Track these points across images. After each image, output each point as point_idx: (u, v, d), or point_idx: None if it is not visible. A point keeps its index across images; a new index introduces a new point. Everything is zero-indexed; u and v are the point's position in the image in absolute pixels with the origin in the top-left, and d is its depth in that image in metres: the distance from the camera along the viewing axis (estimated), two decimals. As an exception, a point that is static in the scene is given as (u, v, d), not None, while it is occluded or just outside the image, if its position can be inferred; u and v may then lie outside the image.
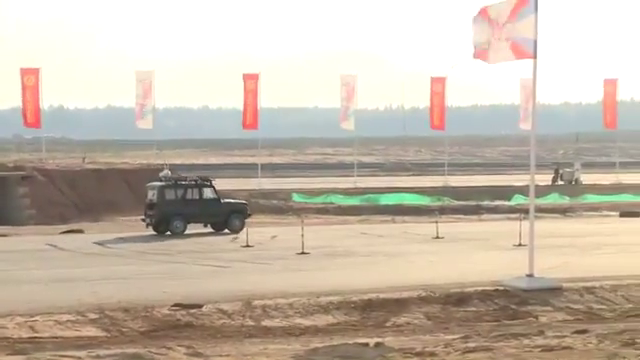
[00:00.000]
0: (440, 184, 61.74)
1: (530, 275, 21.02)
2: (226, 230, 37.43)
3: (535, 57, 20.91)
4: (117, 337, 16.99)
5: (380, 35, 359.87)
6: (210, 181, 38.80)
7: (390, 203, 51.23)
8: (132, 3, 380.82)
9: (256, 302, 19.29)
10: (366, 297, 19.79)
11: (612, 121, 70.03)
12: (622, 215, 46.51)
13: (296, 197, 53.18)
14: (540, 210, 43.41)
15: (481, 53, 21.63)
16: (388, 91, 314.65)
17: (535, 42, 20.73)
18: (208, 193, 37.95)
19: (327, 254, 28.96)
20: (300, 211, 45.80)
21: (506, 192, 55.29)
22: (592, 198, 55.36)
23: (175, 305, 18.96)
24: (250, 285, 21.74)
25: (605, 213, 48.67)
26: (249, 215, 38.57)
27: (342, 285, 21.38)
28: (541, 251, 24.02)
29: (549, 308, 19.45)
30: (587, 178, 66.78)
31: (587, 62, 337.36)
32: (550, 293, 20.31)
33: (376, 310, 19.06)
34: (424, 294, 20.08)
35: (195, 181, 38.31)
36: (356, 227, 40.13)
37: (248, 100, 61.08)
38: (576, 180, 66.11)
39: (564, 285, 20.90)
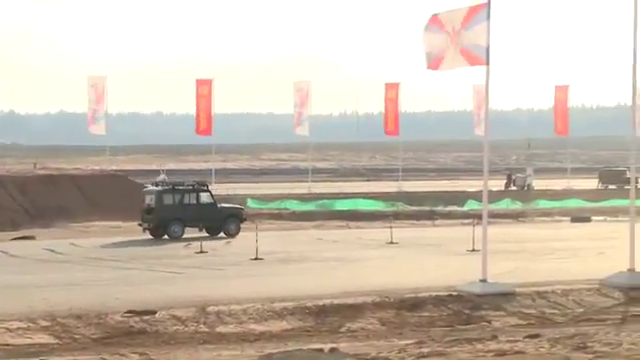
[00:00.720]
0: (394, 189, 61.98)
1: (483, 280, 21.14)
2: (222, 234, 37.64)
3: (487, 64, 21.05)
4: (69, 344, 16.83)
5: (334, 41, 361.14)
6: (207, 186, 39.35)
7: (344, 209, 51.29)
8: (85, 7, 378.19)
9: (210, 308, 19.22)
10: (320, 303, 19.79)
11: (563, 127, 70.76)
12: (573, 220, 46.95)
13: (250, 203, 53.05)
14: (493, 215, 43.62)
15: (434, 62, 21.72)
16: (342, 97, 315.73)
17: (487, 49, 20.87)
18: (205, 198, 38.28)
19: (281, 260, 28.91)
20: (254, 217, 45.64)
21: (459, 198, 55.61)
22: (544, 203, 55.84)
23: (128, 312, 18.82)
24: (204, 291, 21.65)
25: (557, 218, 49.10)
26: (244, 219, 39.04)
27: (296, 291, 21.36)
28: (494, 256, 24.19)
29: (502, 313, 19.58)
30: (539, 184, 67.38)
31: (539, 68, 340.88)
32: (503, 298, 20.45)
33: (330, 316, 19.07)
34: (378, 299, 20.11)
35: (192, 186, 38.71)
36: (311, 233, 40.13)
37: (201, 105, 60.91)
38: (528, 186, 66.68)
39: (517, 290, 21.05)
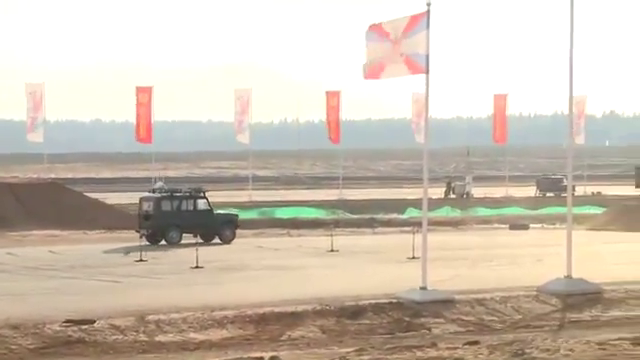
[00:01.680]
0: (335, 197, 62.16)
1: (423, 288, 21.25)
2: (217, 240, 38.16)
3: (427, 72, 21.20)
4: (5, 355, 16.58)
5: (275, 49, 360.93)
6: (204, 192, 39.70)
7: (285, 216, 51.34)
8: (22, 13, 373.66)
9: (149, 317, 19.06)
10: (261, 311, 19.74)
11: (502, 135, 71.56)
12: (512, 228, 47.46)
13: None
14: (433, 223, 43.88)
15: (375, 71, 21.81)
16: (283, 104, 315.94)
17: (427, 57, 21.02)
18: (201, 204, 38.81)
19: (222, 268, 28.82)
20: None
21: (400, 205, 55.95)
22: (483, 211, 56.40)
23: (66, 321, 18.59)
24: (143, 300, 21.48)
25: (495, 226, 49.60)
26: (239, 226, 39.69)
27: (237, 299, 21.29)
28: (434, 264, 24.33)
29: (441, 320, 19.69)
30: (478, 191, 68.03)
31: (478, 77, 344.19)
32: (442, 305, 20.56)
33: (271, 324, 19.03)
34: (319, 307, 20.12)
35: (189, 193, 39.28)
36: (251, 241, 40.04)
37: (141, 113, 60.55)
38: (467, 193, 67.30)
39: (456, 297, 21.18)
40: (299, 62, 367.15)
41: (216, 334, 18.39)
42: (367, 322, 19.45)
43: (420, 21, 21.09)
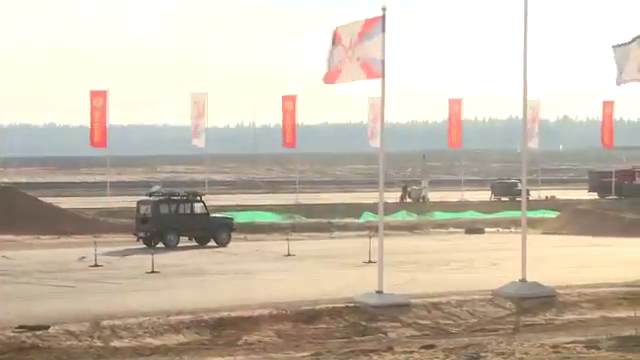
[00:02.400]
0: (291, 202, 62.10)
1: (379, 292, 21.30)
2: (212, 243, 38.89)
3: (383, 76, 21.28)
4: (-42, 361, 16.39)
5: (230, 51, 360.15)
6: (200, 196, 40.68)
7: (242, 221, 51.21)
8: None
9: (105, 322, 18.92)
10: (217, 315, 19.68)
11: (457, 140, 71.90)
12: (467, 232, 47.78)
13: (146, 215, 52.50)
14: (389, 227, 44.16)
15: (332, 75, 21.85)
16: (239, 109, 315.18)
17: (383, 62, 21.10)
18: (198, 208, 39.67)
19: (178, 273, 28.70)
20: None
21: (356, 210, 56.04)
22: (439, 215, 56.66)
23: (20, 327, 18.40)
24: (99, 305, 21.33)
25: (451, 230, 49.88)
26: (234, 229, 40.60)
27: (193, 304, 21.21)
28: (390, 268, 24.41)
29: (398, 324, 19.74)
30: (434, 196, 68.30)
31: (433, 81, 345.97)
32: (399, 309, 20.62)
33: (228, 328, 18.98)
34: (275, 312, 20.10)
35: (187, 196, 40.05)
36: (208, 245, 39.89)
37: (96, 117, 60.10)
38: (423, 198, 67.55)
39: (412, 301, 21.26)
40: (256, 66, 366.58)
41: (172, 339, 18.30)
42: (324, 326, 19.46)
43: (375, 25, 21.17)
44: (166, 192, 41.01)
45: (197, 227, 38.96)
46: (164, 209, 38.97)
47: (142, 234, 38.56)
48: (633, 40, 23.91)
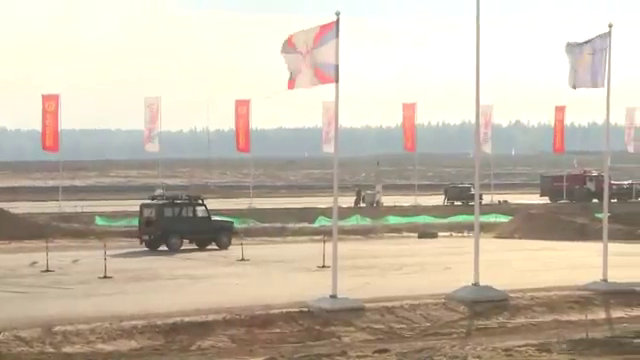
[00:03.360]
0: (245, 206, 61.95)
1: (333, 296, 21.33)
2: (213, 246, 39.29)
3: (337, 81, 21.33)
4: None
5: (184, 55, 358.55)
6: (202, 200, 41.14)
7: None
8: None
9: (56, 328, 18.76)
10: (171, 321, 19.58)
11: (411, 144, 72.22)
12: (420, 236, 47.94)
13: (99, 220, 52.20)
14: (343, 232, 44.16)
15: (291, 81, 21.88)
16: (192, 113, 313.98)
17: (337, 67, 21.16)
18: (200, 211, 40.14)
19: (131, 278, 28.51)
20: (103, 234, 44.92)
21: (310, 214, 56.04)
22: (393, 220, 56.80)
23: (-30, 334, 18.18)
24: (50, 311, 21.12)
25: (405, 234, 50.03)
26: (235, 232, 41.09)
27: (146, 309, 21.08)
28: (344, 272, 24.44)
29: (352, 328, 19.77)
30: (388, 200, 68.52)
31: (387, 86, 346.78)
32: (353, 313, 20.65)
33: (181, 334, 18.89)
34: (229, 317, 20.04)
35: (189, 199, 40.68)
36: (161, 250, 39.67)
37: (47, 121, 59.57)
38: (377, 202, 67.73)
39: (366, 305, 21.30)
40: (208, 70, 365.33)
41: (125, 345, 18.18)
42: (277, 331, 19.43)
43: (329, 31, 21.24)
44: (169, 196, 41.89)
45: (199, 230, 39.60)
46: (168, 212, 39.56)
47: (146, 237, 39.35)
48: (585, 43, 24.23)
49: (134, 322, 19.42)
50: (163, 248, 38.86)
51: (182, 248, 39.01)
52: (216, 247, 39.43)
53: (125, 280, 27.88)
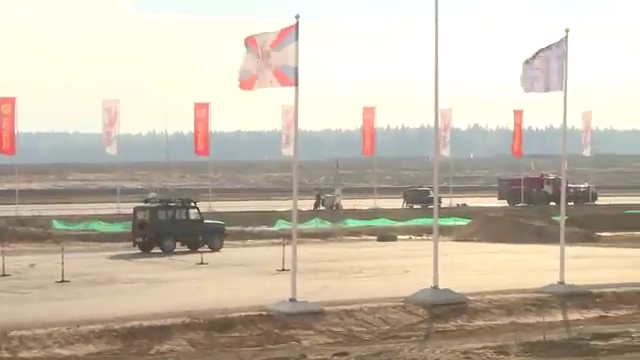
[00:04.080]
0: (204, 210, 61.60)
1: (293, 299, 21.31)
2: (205, 248, 39.37)
3: (296, 84, 21.33)
4: None
5: (142, 57, 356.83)
6: (195, 203, 41.59)
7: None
8: None
9: (12, 333, 18.57)
10: (129, 325, 19.45)
11: (370, 148, 72.38)
12: (380, 239, 48.03)
13: (56, 224, 51.76)
14: (302, 235, 44.16)
15: (247, 82, 21.84)
16: (151, 116, 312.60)
17: (296, 70, 21.16)
18: (193, 214, 40.72)
19: (89, 282, 28.30)
20: (60, 238, 44.57)
21: (269, 217, 55.96)
22: (352, 223, 56.86)
23: None
24: (6, 316, 20.90)
25: (364, 237, 50.10)
26: (227, 235, 41.97)
27: (104, 313, 20.93)
28: (304, 275, 24.43)
29: (311, 332, 19.76)
30: (347, 203, 68.63)
31: (347, 90, 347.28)
32: (312, 317, 20.65)
33: (139, 338, 18.78)
34: (188, 321, 19.95)
35: (182, 202, 41.15)
36: (119, 254, 39.46)
37: (3, 125, 59.01)
38: (337, 205, 67.81)
39: (325, 309, 21.30)
40: (167, 73, 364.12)
41: (82, 349, 18.04)
42: (237, 335, 19.38)
43: (289, 34, 21.24)
44: (163, 199, 42.25)
45: (191, 232, 40.02)
46: (162, 215, 40.03)
47: (140, 240, 39.75)
48: (542, 48, 24.45)
49: (92, 326, 19.27)
50: (156, 250, 39.17)
51: (175, 250, 39.20)
52: (209, 249, 39.69)
53: (83, 284, 27.68)
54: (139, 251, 39.60)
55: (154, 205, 40.92)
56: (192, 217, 40.64)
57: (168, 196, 45.16)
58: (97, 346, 18.31)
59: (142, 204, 41.86)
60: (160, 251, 39.00)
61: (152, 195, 43.66)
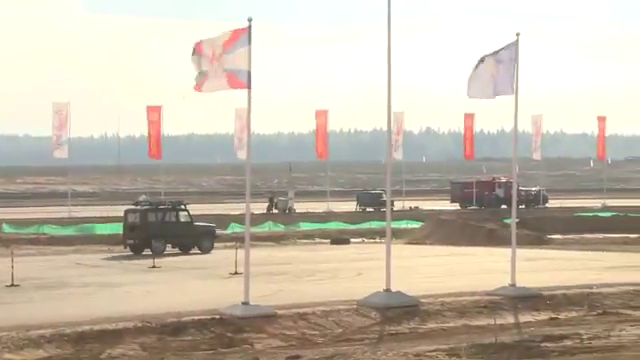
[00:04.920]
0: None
1: (246, 303, 21.26)
2: (196, 250, 40.30)
3: (249, 87, 21.30)
4: None
5: (93, 60, 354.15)
6: (185, 205, 42.28)
7: (106, 232, 50.40)
8: None
9: (-39, 338, 18.33)
10: (80, 329, 19.28)
11: (323, 151, 72.50)
12: (333, 242, 48.10)
13: (6, 228, 51.26)
14: (256, 238, 44.16)
15: (200, 85, 21.77)
16: (103, 119, 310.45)
17: (249, 73, 21.13)
18: (183, 216, 41.31)
19: (39, 286, 28.01)
20: (10, 242, 44.09)
21: (222, 221, 55.80)
22: (305, 226, 56.92)
23: None
24: (-45, 321, 20.61)
25: (317, 240, 50.16)
26: (217, 236, 42.37)
27: (54, 317, 20.73)
28: (257, 279, 24.38)
29: (264, 335, 19.73)
30: (300, 206, 68.67)
31: (299, 93, 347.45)
32: (265, 320, 20.62)
33: (90, 342, 18.62)
34: (140, 324, 19.82)
35: (172, 205, 41.90)
36: (70, 257, 39.16)
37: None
38: (290, 209, 67.85)
39: (278, 312, 21.28)
40: (119, 77, 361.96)
41: (32, 354, 17.86)
42: (189, 338, 19.29)
43: (241, 37, 21.20)
44: (153, 201, 43.26)
45: (181, 234, 40.52)
46: (152, 217, 40.52)
47: (130, 241, 40.23)
48: (483, 58, 24.59)
49: (42, 331, 19.08)
50: (147, 252, 39.02)
51: (165, 252, 39.35)
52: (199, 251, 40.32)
53: (33, 288, 27.39)
54: (130, 253, 39.95)
55: (144, 208, 41.53)
56: (182, 219, 41.08)
57: (158, 199, 46.34)
58: (48, 351, 18.13)
59: (133, 207, 42.44)
60: (150, 253, 38.93)
61: (142, 197, 44.38)
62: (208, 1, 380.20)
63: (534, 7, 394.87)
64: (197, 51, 21.53)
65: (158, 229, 40.07)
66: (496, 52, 24.63)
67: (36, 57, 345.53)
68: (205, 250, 40.49)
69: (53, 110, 62.77)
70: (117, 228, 52.34)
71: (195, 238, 40.86)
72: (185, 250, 40.31)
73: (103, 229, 51.88)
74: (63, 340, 18.65)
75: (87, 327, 19.48)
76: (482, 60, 24.50)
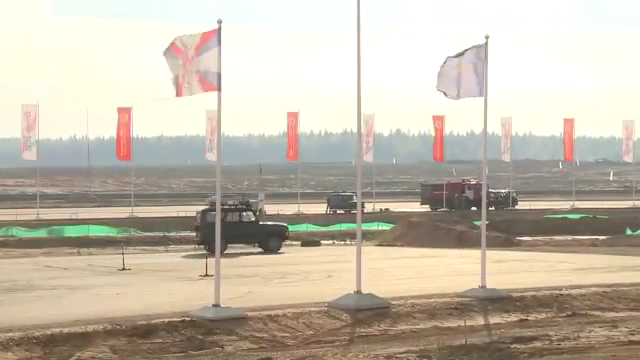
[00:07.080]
0: (126, 215, 61.20)
1: (216, 305, 21.22)
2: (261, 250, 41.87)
3: (219, 90, 21.25)
4: None
5: (61, 63, 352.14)
6: (250, 205, 43.84)
7: (75, 235, 50.18)
8: None
9: None
10: (49, 332, 19.15)
11: (294, 153, 72.54)
12: (303, 244, 48.14)
13: (-26, 230, 50.90)
14: (226, 240, 44.05)
15: (180, 90, 21.69)
16: (72, 121, 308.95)
17: (219, 75, 21.08)
18: (247, 216, 42.62)
19: (7, 289, 27.82)
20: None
21: (192, 223, 55.68)
22: (275, 228, 56.78)
23: None
24: None
25: (288, 242, 50.12)
26: (287, 237, 43.91)
27: (23, 320, 20.58)
28: (227, 281, 24.33)
29: (234, 337, 19.69)
30: (271, 209, 68.61)
31: (270, 95, 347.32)
32: (235, 322, 20.57)
33: (60, 345, 18.50)
34: (110, 327, 19.72)
35: (236, 205, 43.03)
36: (39, 260, 38.91)
37: None
38: (260, 211, 67.75)
39: (249, 314, 21.25)
40: (89, 78, 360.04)
41: (1, 357, 17.71)
42: (159, 341, 19.22)
43: (211, 39, 21.15)
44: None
45: (245, 234, 41.84)
46: (211, 217, 40.57)
47: (197, 240, 42.68)
48: (460, 54, 24.64)
49: (10, 334, 18.94)
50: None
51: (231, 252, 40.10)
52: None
53: (1, 291, 27.19)
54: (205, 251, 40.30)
55: (205, 208, 43.02)
56: (245, 219, 42.32)
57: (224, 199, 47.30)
58: (16, 354, 18.00)
59: (200, 208, 44.20)
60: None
61: (211, 198, 45.32)
62: (176, 3, 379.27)
63: (502, 10, 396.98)
64: (172, 50, 21.44)
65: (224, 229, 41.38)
66: (461, 53, 24.64)
67: (3, 59, 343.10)
68: (272, 250, 41.82)
69: (22, 112, 62.42)
70: (86, 230, 52.21)
71: (260, 238, 42.36)
72: (265, 249, 41.80)
73: (72, 231, 51.63)
74: (32, 343, 18.53)
75: (56, 330, 19.35)
76: (446, 61, 24.55)
